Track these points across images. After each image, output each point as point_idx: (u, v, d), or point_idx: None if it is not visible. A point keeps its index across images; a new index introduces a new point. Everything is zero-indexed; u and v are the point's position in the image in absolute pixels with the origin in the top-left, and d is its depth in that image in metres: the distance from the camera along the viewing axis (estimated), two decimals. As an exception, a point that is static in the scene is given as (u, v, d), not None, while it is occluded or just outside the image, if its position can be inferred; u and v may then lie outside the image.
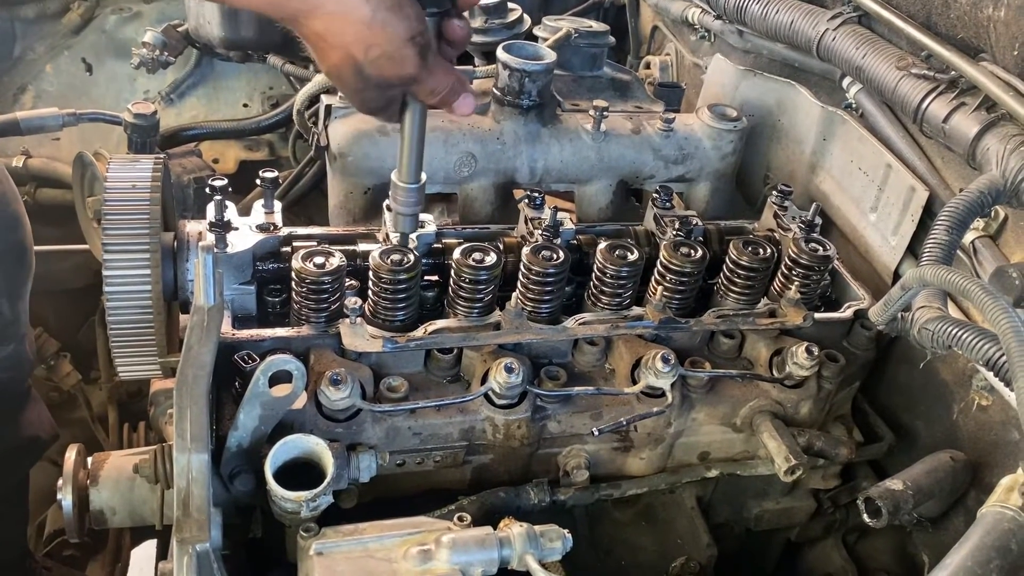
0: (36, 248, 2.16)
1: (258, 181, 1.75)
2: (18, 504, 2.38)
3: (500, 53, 2.04)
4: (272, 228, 1.73)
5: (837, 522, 2.12)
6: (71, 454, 1.65)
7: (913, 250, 1.92)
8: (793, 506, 2.04)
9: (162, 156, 1.77)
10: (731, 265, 1.83)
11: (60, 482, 1.63)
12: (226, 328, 1.57)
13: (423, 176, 1.55)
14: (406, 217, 1.62)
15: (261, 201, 1.77)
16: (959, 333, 1.35)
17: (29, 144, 3.12)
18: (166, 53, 2.98)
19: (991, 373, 1.31)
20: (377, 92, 1.34)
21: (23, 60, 3.26)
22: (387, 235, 1.76)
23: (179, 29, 2.99)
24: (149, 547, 2.14)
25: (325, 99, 2.05)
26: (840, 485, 2.03)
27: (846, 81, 2.10)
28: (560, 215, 1.81)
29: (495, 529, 1.34)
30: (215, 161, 3.32)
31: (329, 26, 1.23)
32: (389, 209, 1.65)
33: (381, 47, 1.24)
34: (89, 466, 1.67)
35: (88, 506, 1.63)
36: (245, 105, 3.41)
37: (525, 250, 1.71)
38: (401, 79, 1.30)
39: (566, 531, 1.35)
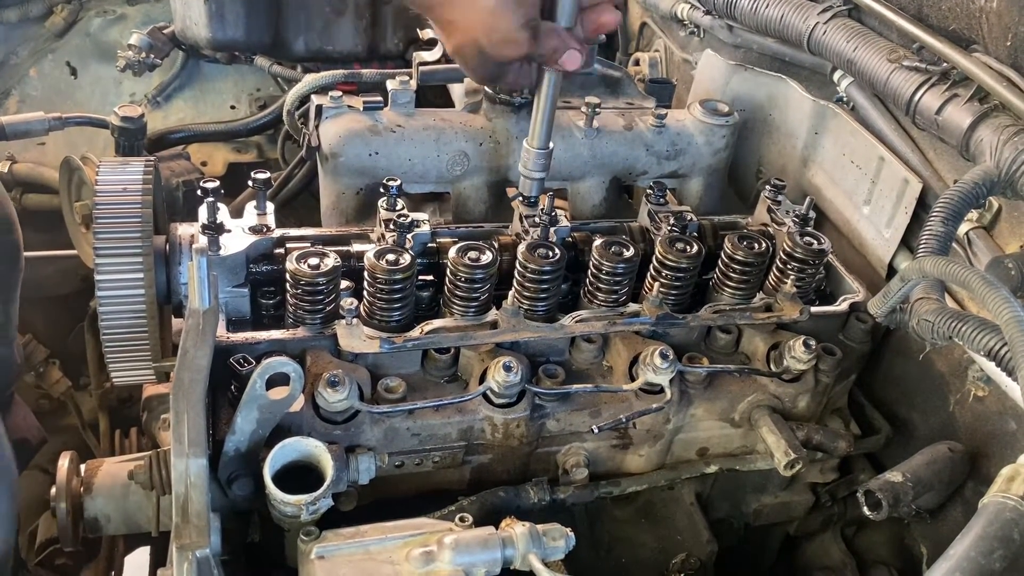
0: (24, 254, 2.13)
1: (250, 182, 1.74)
2: None
3: (491, 51, 2.03)
4: (265, 230, 1.72)
5: (835, 515, 2.12)
6: (64, 462, 1.63)
7: (907, 243, 1.92)
8: (792, 500, 2.05)
9: (152, 159, 1.75)
10: (726, 260, 1.83)
11: (53, 490, 1.61)
12: (221, 331, 1.56)
13: (551, 143, 1.69)
14: (534, 181, 1.75)
15: (253, 203, 1.76)
16: (959, 324, 1.35)
17: (14, 149, 3.08)
18: (152, 55, 2.95)
19: (992, 363, 1.31)
20: (495, 67, 1.55)
21: (6, 64, 3.22)
22: (381, 235, 1.74)
23: (165, 31, 2.96)
24: (142, 554, 2.13)
25: (315, 99, 2.03)
26: (838, 479, 2.03)
27: (837, 75, 2.11)
28: (556, 208, 1.81)
29: (496, 529, 1.33)
30: (203, 164, 3.29)
31: (460, 15, 1.45)
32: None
33: (500, 32, 1.45)
34: (82, 473, 1.65)
35: (82, 514, 1.61)
36: (232, 107, 3.38)
37: (521, 248, 1.70)
38: (516, 57, 1.52)
39: (568, 530, 1.34)
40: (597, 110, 2.09)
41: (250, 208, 1.76)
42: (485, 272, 1.65)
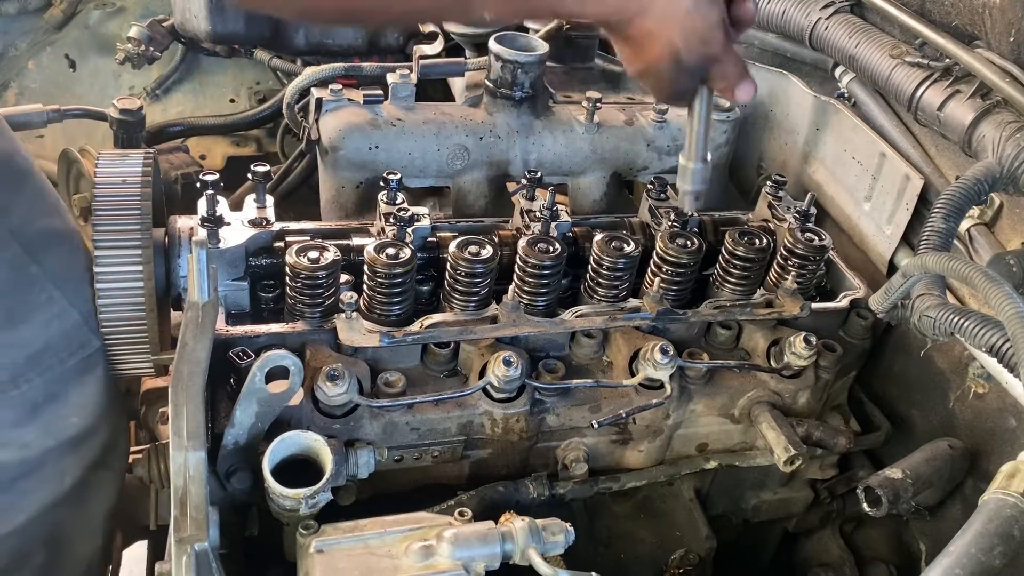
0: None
1: (250, 175, 1.73)
2: None
3: (492, 44, 2.02)
4: (265, 223, 1.71)
5: (834, 512, 2.12)
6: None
7: (908, 239, 1.92)
8: (791, 496, 2.05)
9: (152, 151, 1.75)
10: (727, 256, 1.82)
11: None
12: (220, 325, 1.55)
13: (709, 155, 1.63)
14: (694, 197, 1.67)
15: (253, 196, 1.75)
16: (961, 320, 1.35)
17: (12, 142, 3.07)
18: (151, 48, 2.93)
19: (994, 360, 1.31)
20: (688, 77, 1.44)
21: (5, 57, 3.21)
22: (381, 229, 1.74)
23: (164, 24, 2.94)
24: (140, 548, 2.12)
25: (316, 92, 2.03)
26: (837, 475, 2.03)
27: (838, 70, 2.10)
28: (557, 203, 1.80)
29: (495, 524, 1.33)
30: (202, 157, 3.27)
31: (658, 21, 1.33)
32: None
33: (697, 32, 1.35)
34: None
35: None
36: (232, 100, 3.36)
37: (521, 243, 1.70)
38: (708, 58, 1.40)
39: (568, 525, 1.34)
40: (598, 105, 2.08)
41: (249, 201, 1.75)
42: (485, 267, 1.64)
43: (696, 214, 1.93)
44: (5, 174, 1.51)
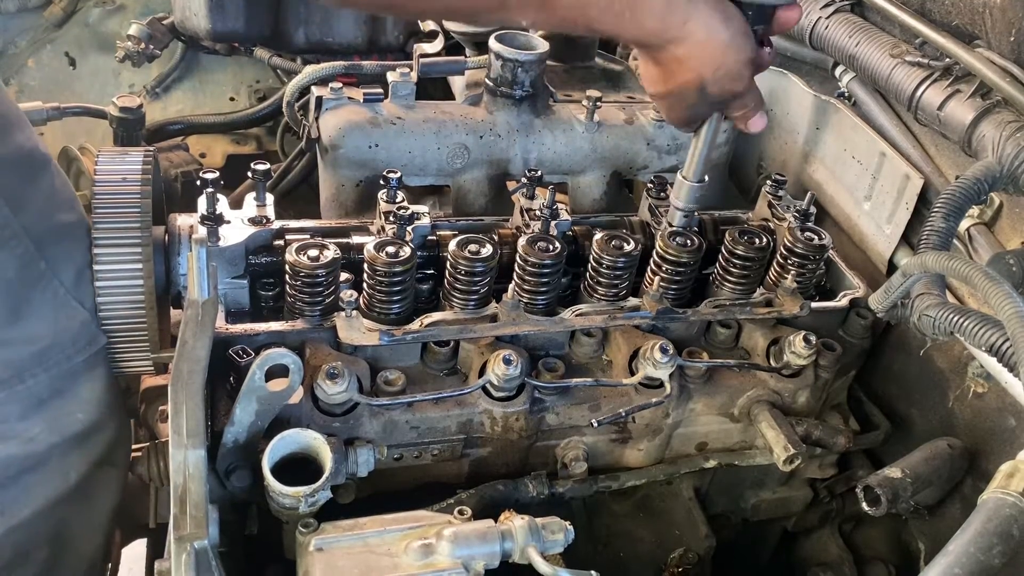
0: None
1: (250, 174, 1.73)
2: None
3: (492, 43, 2.02)
4: (265, 221, 1.71)
5: (833, 511, 2.12)
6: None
7: (908, 239, 1.92)
8: (790, 496, 2.05)
9: (151, 149, 1.75)
10: (727, 255, 1.82)
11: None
12: (220, 323, 1.55)
13: (706, 177, 1.69)
14: (685, 215, 1.75)
15: (253, 194, 1.75)
16: (961, 320, 1.35)
17: (12, 139, 3.06)
18: (151, 46, 2.93)
19: (994, 359, 1.31)
20: (707, 108, 1.50)
21: (4, 54, 3.20)
22: (381, 227, 1.74)
23: (164, 22, 2.94)
24: (139, 546, 2.12)
25: (316, 91, 2.03)
26: (837, 474, 2.03)
27: (839, 70, 2.10)
28: (557, 202, 1.80)
29: (495, 522, 1.33)
30: (202, 155, 3.27)
31: (691, 50, 1.35)
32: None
33: (727, 67, 1.38)
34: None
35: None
36: (232, 99, 3.36)
37: (521, 241, 1.70)
38: (733, 94, 1.45)
39: (567, 523, 1.34)
40: (598, 104, 2.08)
41: (249, 199, 1.75)
42: (485, 265, 1.64)
43: (697, 213, 1.93)
44: (25, 168, 1.52)
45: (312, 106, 2.04)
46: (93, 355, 1.60)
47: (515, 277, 1.72)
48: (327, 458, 1.40)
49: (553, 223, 1.76)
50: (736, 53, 1.37)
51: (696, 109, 1.49)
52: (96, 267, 1.58)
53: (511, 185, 1.98)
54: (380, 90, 2.02)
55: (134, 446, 1.93)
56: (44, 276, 1.51)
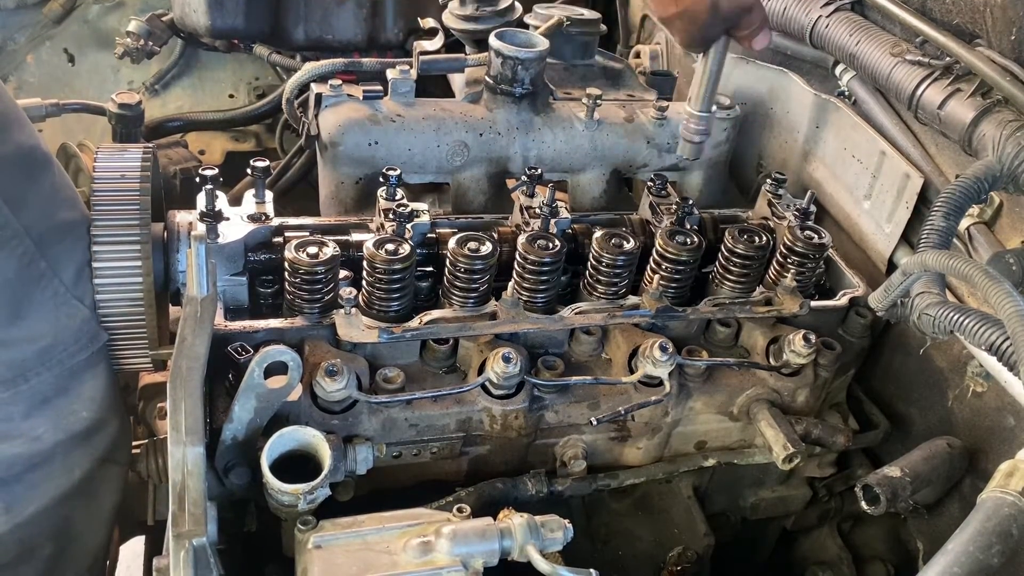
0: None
1: (249, 170, 1.73)
2: None
3: (492, 40, 2.02)
4: (264, 218, 1.71)
5: (832, 510, 2.12)
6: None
7: (907, 238, 1.92)
8: (789, 494, 2.05)
9: (151, 145, 1.74)
10: (727, 253, 1.82)
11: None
12: (218, 320, 1.55)
13: (714, 107, 1.73)
14: (694, 145, 1.77)
15: (252, 191, 1.75)
16: (961, 318, 1.34)
17: (11, 136, 3.05)
18: (150, 43, 2.92)
19: (993, 358, 1.30)
20: (719, 24, 1.55)
21: (4, 51, 3.19)
22: (381, 225, 1.74)
23: (164, 18, 2.93)
24: (137, 543, 2.11)
25: (315, 88, 2.02)
26: (836, 473, 2.03)
27: (839, 68, 2.10)
28: (556, 200, 1.80)
29: (494, 520, 1.32)
30: (201, 152, 3.27)
31: None
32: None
33: None
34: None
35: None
36: (231, 96, 3.35)
37: (521, 239, 1.69)
38: (742, 8, 1.52)
39: (567, 521, 1.34)
40: (598, 102, 2.08)
41: (248, 197, 1.75)
42: (485, 263, 1.64)
43: (697, 212, 1.93)
44: (25, 167, 1.51)
45: (311, 103, 2.03)
46: (95, 353, 1.60)
47: (514, 275, 1.71)
48: (326, 455, 1.39)
49: (553, 221, 1.76)
50: None
51: (708, 28, 1.54)
52: (95, 264, 1.58)
53: (511, 183, 1.97)
54: (380, 87, 2.02)
55: (133, 443, 1.93)
56: (45, 275, 1.51)
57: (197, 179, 1.68)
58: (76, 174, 2.50)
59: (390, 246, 1.60)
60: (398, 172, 1.79)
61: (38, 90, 3.17)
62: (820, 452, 1.93)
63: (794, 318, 1.82)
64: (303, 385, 1.51)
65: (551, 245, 1.69)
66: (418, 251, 1.69)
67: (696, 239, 1.78)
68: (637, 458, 1.84)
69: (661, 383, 1.69)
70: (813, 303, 1.84)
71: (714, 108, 1.72)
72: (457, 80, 2.27)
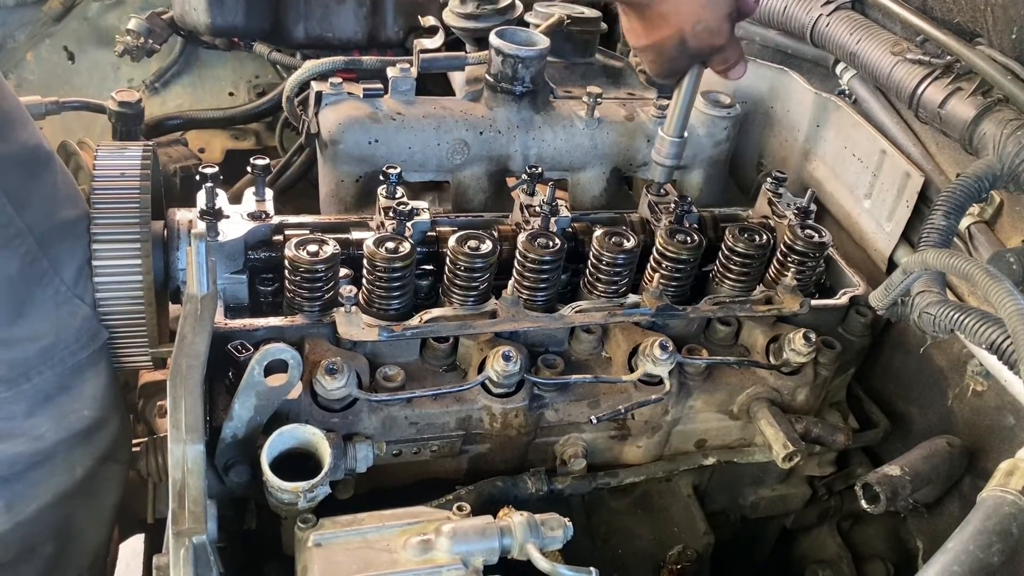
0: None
1: (249, 169, 1.72)
2: None
3: (493, 39, 2.02)
4: (264, 216, 1.71)
5: (832, 509, 2.12)
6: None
7: (908, 237, 1.92)
8: (788, 493, 2.05)
9: (150, 144, 1.74)
10: (727, 252, 1.82)
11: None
12: (218, 318, 1.55)
13: (686, 133, 1.77)
14: (665, 168, 1.82)
15: (252, 189, 1.75)
16: (961, 317, 1.34)
17: (10, 134, 3.05)
18: (150, 41, 2.92)
19: (993, 357, 1.30)
20: (687, 60, 1.59)
21: (3, 48, 3.19)
22: (381, 223, 1.74)
23: (164, 16, 2.93)
24: (137, 541, 2.12)
25: (315, 86, 2.02)
26: (835, 472, 2.03)
27: (839, 67, 2.10)
28: (556, 199, 1.80)
29: (494, 518, 1.32)
30: (201, 151, 3.26)
31: (672, 6, 1.47)
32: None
33: (706, 22, 1.48)
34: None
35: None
36: (231, 94, 3.35)
37: (521, 237, 1.69)
38: (712, 48, 1.55)
39: (567, 520, 1.34)
40: (598, 100, 2.08)
41: (248, 195, 1.75)
42: (485, 261, 1.64)
43: (695, 210, 1.93)
44: (28, 165, 1.51)
45: (312, 101, 2.03)
46: (96, 351, 1.60)
47: (515, 273, 1.71)
48: (326, 454, 1.39)
49: (553, 219, 1.76)
50: (714, 9, 1.47)
51: (676, 62, 1.58)
52: (95, 262, 1.57)
53: (511, 181, 1.97)
54: (380, 86, 2.02)
55: (133, 441, 1.93)
56: (47, 274, 1.51)
57: (197, 177, 1.67)
58: (76, 172, 2.49)
59: (390, 244, 1.60)
60: (398, 170, 1.79)
61: (38, 88, 3.16)
62: (820, 451, 1.93)
63: (794, 317, 1.82)
64: (303, 383, 1.51)
65: (551, 243, 1.69)
66: (418, 249, 1.69)
67: (696, 238, 1.78)
68: (637, 457, 1.84)
69: (661, 382, 1.69)
70: (813, 302, 1.83)
71: (685, 134, 1.77)
72: (457, 78, 2.26)
